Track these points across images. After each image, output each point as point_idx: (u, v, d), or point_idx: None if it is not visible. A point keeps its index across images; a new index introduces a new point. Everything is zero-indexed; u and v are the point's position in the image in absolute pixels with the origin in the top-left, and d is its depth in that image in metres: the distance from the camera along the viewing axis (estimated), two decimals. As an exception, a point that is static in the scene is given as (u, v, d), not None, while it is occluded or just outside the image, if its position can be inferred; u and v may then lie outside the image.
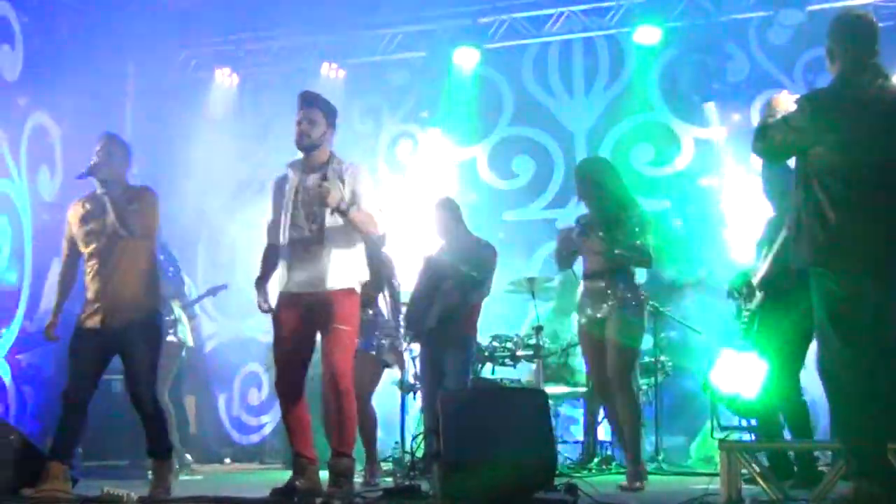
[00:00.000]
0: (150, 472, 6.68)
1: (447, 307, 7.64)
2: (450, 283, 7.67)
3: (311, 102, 6.20)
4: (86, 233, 6.46)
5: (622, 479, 6.96)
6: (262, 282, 6.23)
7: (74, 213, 6.56)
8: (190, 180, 10.67)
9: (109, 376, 9.30)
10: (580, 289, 7.11)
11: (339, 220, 5.95)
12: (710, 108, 10.53)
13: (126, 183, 6.57)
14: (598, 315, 6.88)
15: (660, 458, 8.77)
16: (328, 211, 5.93)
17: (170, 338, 8.44)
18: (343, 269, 6.03)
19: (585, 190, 7.09)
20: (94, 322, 6.36)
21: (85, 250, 6.46)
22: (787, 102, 5.13)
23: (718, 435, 7.48)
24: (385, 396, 10.15)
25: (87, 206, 6.50)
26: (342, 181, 6.04)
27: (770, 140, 4.95)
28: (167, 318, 8.29)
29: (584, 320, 7.02)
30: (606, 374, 6.86)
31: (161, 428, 6.52)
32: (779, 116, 4.99)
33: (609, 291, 6.86)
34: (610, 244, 6.80)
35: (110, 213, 6.34)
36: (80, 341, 6.39)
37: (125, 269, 6.39)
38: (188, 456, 9.29)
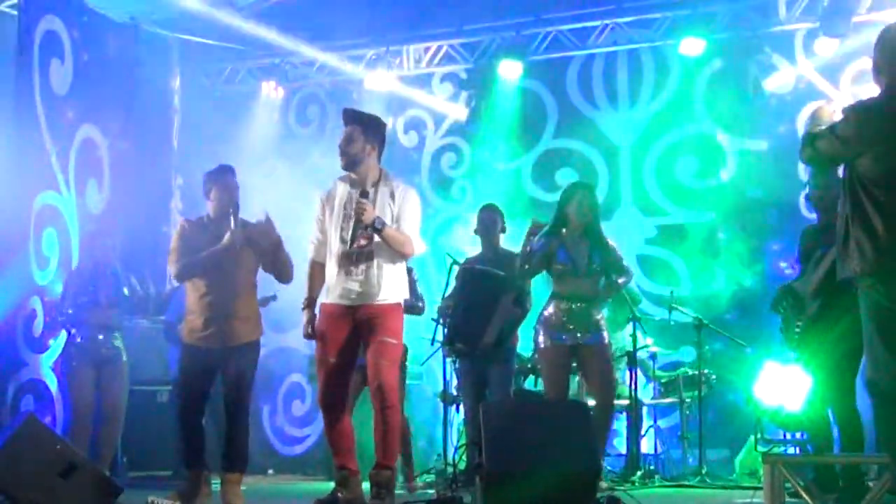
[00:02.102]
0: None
1: (508, 322, 7.57)
2: (510, 297, 7.58)
3: (348, 119, 6.22)
4: (214, 265, 6.68)
5: (666, 493, 6.92)
6: (310, 304, 6.25)
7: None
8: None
9: (155, 388, 9.44)
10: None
11: None
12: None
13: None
14: None
15: (703, 471, 8.71)
16: (363, 226, 5.94)
17: None
18: (391, 284, 6.04)
19: None
20: (201, 342, 6.63)
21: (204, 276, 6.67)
22: (832, 112, 5.09)
23: (762, 448, 7.44)
24: (427, 408, 10.18)
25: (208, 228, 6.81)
26: (393, 199, 6.05)
27: (817, 149, 4.92)
28: None
29: None
30: None
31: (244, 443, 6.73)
32: (824, 126, 4.95)
33: None
34: None
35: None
36: (193, 357, 6.70)
37: (242, 294, 6.75)
38: None
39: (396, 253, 6.06)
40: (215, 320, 6.55)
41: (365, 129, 6.15)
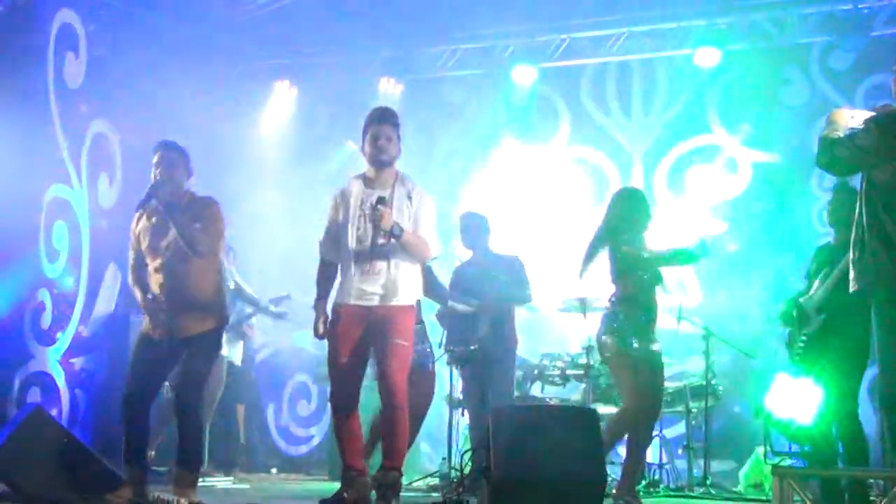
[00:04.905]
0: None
1: (495, 316, 7.67)
2: (492, 294, 7.69)
3: (390, 120, 6.19)
4: (150, 248, 6.42)
5: (670, 503, 6.90)
6: (321, 304, 6.21)
7: (139, 225, 6.50)
8: (247, 191, 10.75)
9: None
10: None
11: None
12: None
13: (189, 193, 6.50)
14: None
15: (708, 482, 8.69)
16: (381, 232, 5.92)
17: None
18: (404, 285, 6.02)
19: None
20: (152, 331, 6.36)
21: (150, 263, 6.42)
22: (846, 116, 5.05)
23: (771, 460, 7.40)
24: (432, 412, 10.14)
25: (153, 219, 6.43)
26: (410, 201, 6.03)
27: (835, 156, 4.89)
28: None
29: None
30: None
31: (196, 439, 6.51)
32: (840, 129, 4.92)
33: None
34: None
35: (173, 231, 6.29)
36: (145, 346, 6.41)
37: (191, 284, 6.36)
38: None
39: (413, 256, 6.05)
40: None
41: (398, 132, 6.15)
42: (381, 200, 5.94)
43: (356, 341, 6.00)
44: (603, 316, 6.94)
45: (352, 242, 6.02)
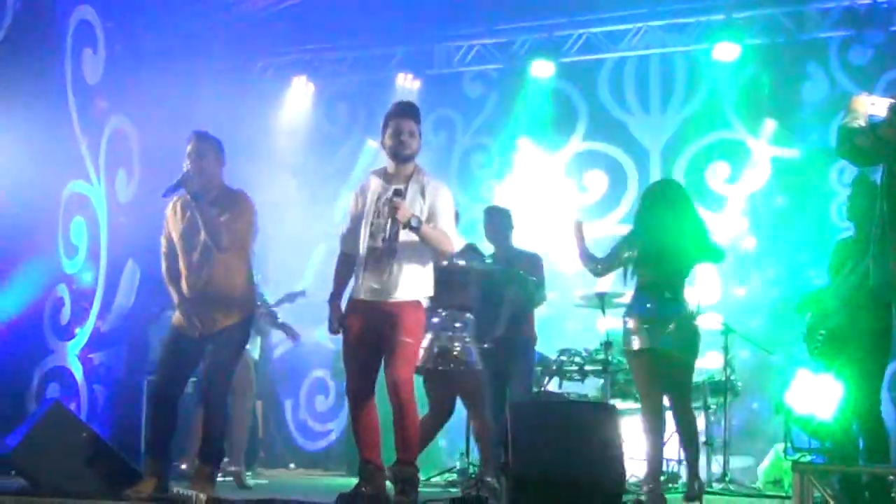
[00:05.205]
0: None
1: (515, 312, 7.64)
2: (514, 289, 7.68)
3: (412, 114, 6.17)
4: (183, 241, 6.45)
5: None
6: (336, 299, 6.20)
7: (172, 214, 6.52)
8: (264, 186, 10.73)
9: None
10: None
11: (413, 235, 5.93)
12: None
13: (221, 185, 6.53)
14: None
15: (727, 478, 8.64)
16: (400, 225, 5.91)
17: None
18: (411, 282, 5.99)
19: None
20: (181, 327, 6.40)
21: (183, 258, 6.45)
22: (867, 103, 4.97)
23: (791, 456, 7.37)
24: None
25: (186, 213, 6.46)
26: (423, 196, 6.02)
27: (855, 145, 4.84)
28: None
29: None
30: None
31: (218, 434, 6.53)
32: (860, 117, 4.86)
33: None
34: None
35: (203, 229, 6.32)
36: (174, 341, 6.45)
37: (221, 278, 6.38)
38: None
39: (433, 251, 6.02)
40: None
41: (420, 126, 6.14)
42: (397, 193, 5.93)
43: (369, 335, 5.99)
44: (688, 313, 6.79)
45: (365, 238, 6.02)
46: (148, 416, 6.38)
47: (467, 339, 7.31)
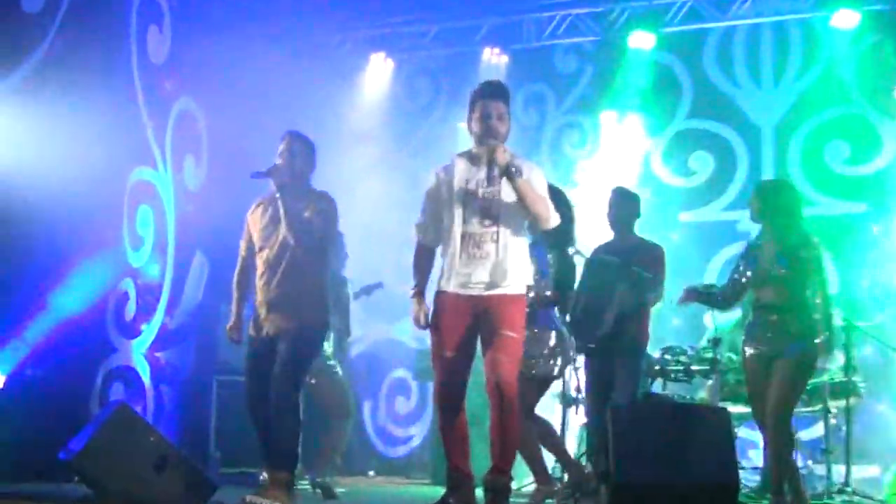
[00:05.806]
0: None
1: (624, 312, 7.51)
2: (625, 286, 7.53)
3: (501, 95, 6.11)
4: (262, 238, 6.62)
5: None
6: (420, 294, 6.15)
7: (254, 215, 6.74)
8: (341, 169, 10.76)
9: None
10: None
11: (514, 220, 5.86)
12: None
13: (308, 186, 6.72)
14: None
15: (850, 489, 8.48)
16: (497, 172, 5.82)
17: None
18: (514, 270, 5.92)
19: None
20: (254, 331, 6.58)
21: (258, 255, 6.63)
22: None
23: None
24: (544, 411, 10.08)
25: (269, 210, 6.65)
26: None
27: None
28: None
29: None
30: None
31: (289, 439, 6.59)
32: None
33: None
34: None
35: (282, 227, 6.47)
36: (250, 347, 6.65)
37: (293, 279, 6.51)
38: None
39: (529, 215, 5.93)
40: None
41: (510, 107, 6.08)
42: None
43: (462, 333, 5.92)
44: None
45: (457, 224, 5.95)
46: (255, 430, 6.58)
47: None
